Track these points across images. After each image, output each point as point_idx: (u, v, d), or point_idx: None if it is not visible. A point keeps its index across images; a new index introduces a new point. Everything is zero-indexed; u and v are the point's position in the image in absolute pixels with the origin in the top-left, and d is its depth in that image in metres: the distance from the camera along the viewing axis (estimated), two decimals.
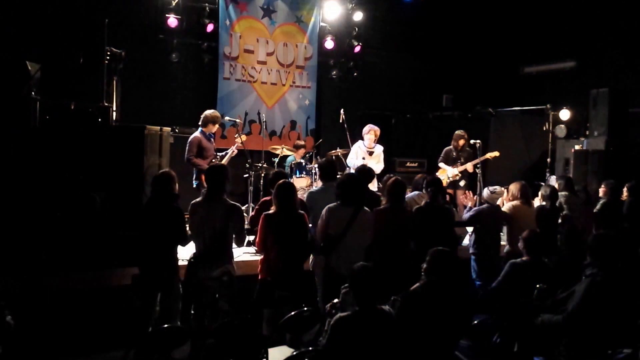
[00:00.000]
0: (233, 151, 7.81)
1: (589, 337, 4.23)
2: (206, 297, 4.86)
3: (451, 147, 9.21)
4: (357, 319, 3.59)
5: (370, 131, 8.10)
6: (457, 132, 9.24)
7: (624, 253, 4.86)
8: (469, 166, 8.87)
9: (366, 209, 5.24)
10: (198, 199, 5.03)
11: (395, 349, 3.59)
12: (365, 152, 8.02)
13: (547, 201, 6.66)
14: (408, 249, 5.55)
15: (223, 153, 7.88)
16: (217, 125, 7.64)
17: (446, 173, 9.07)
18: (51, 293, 5.27)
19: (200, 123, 7.54)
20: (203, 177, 7.18)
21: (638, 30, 10.30)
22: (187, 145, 7.39)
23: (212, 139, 7.71)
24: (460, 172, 9.03)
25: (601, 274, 4.32)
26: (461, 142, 9.11)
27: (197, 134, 7.48)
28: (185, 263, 5.03)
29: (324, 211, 5.09)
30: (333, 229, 5.04)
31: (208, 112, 7.63)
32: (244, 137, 8.23)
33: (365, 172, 6.19)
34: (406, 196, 6.16)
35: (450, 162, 9.12)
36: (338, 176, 6.05)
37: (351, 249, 5.00)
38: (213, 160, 7.44)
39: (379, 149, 8.12)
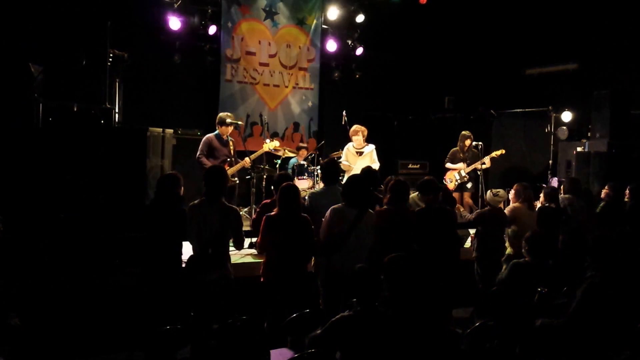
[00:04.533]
0: (245, 161, 7.73)
1: (590, 339, 4.23)
2: (204, 299, 4.87)
3: (457, 147, 9.23)
4: (357, 320, 3.61)
5: (358, 132, 7.89)
6: (463, 132, 9.26)
7: (625, 255, 4.86)
8: (487, 161, 8.84)
9: (371, 211, 5.24)
10: (196, 202, 5.03)
11: (395, 350, 3.60)
12: (355, 154, 7.92)
13: (548, 202, 6.66)
14: (410, 250, 5.55)
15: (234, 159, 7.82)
16: (225, 128, 7.58)
17: (454, 175, 9.07)
18: (55, 294, 5.28)
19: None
20: None
21: None
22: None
23: (230, 143, 7.66)
24: (468, 174, 9.03)
25: (601, 276, 4.33)
26: (467, 142, 9.11)
27: (210, 134, 7.55)
28: (183, 265, 5.05)
29: (328, 212, 5.07)
30: (337, 229, 5.02)
31: (221, 114, 7.78)
32: (276, 143, 8.20)
33: (370, 174, 6.19)
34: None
35: (457, 163, 9.14)
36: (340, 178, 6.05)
37: (355, 250, 4.98)
38: (230, 163, 7.49)
39: (368, 148, 7.93)
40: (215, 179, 4.98)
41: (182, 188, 5.11)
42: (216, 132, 7.57)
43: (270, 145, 7.96)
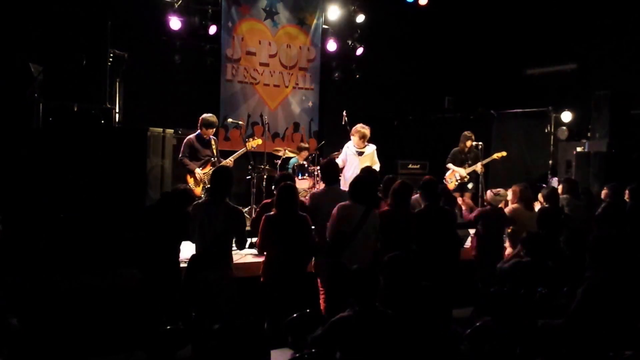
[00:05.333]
0: (228, 162, 7.67)
1: (590, 339, 4.23)
2: (206, 299, 4.88)
3: (459, 148, 9.23)
4: (357, 320, 3.61)
5: (356, 133, 7.71)
6: (464, 133, 9.26)
7: (625, 255, 4.86)
8: (478, 166, 8.85)
9: (375, 210, 5.26)
10: (199, 201, 5.04)
11: (395, 350, 3.60)
12: (355, 154, 7.79)
13: (548, 203, 6.66)
14: (410, 251, 5.55)
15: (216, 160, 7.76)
16: (210, 130, 7.44)
17: (455, 175, 9.08)
18: (55, 294, 5.28)
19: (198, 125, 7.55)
20: (188, 177, 7.24)
21: None
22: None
23: (212, 143, 7.60)
24: (468, 174, 9.03)
25: (600, 276, 4.33)
26: (468, 143, 9.12)
27: (191, 135, 7.49)
28: (185, 265, 5.05)
29: (335, 209, 5.08)
30: (345, 226, 5.03)
31: (203, 115, 7.54)
32: (259, 141, 8.17)
33: (370, 174, 6.19)
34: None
35: (458, 163, 9.15)
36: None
37: (361, 247, 5.02)
38: (213, 163, 7.45)
39: (370, 149, 7.80)
40: (221, 180, 4.99)
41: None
42: (197, 132, 7.50)
43: (252, 143, 7.94)
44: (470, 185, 9.10)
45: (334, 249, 5.09)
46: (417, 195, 6.37)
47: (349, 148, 7.84)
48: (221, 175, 5.05)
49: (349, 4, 11.51)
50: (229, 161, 7.66)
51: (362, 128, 7.73)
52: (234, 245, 5.16)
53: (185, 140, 7.45)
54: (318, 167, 8.44)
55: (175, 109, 10.01)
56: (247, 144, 7.88)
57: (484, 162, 8.88)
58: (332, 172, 5.91)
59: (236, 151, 8.01)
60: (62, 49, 6.57)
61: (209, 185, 6.90)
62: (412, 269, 4.03)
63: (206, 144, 7.51)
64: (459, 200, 8.97)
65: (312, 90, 11.65)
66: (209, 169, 7.32)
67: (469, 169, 9.03)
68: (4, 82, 6.49)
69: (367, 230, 5.08)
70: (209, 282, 4.83)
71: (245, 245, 5.22)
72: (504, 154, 9.07)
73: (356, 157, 7.72)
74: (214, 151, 7.55)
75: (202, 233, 4.88)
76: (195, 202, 5.07)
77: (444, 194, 6.34)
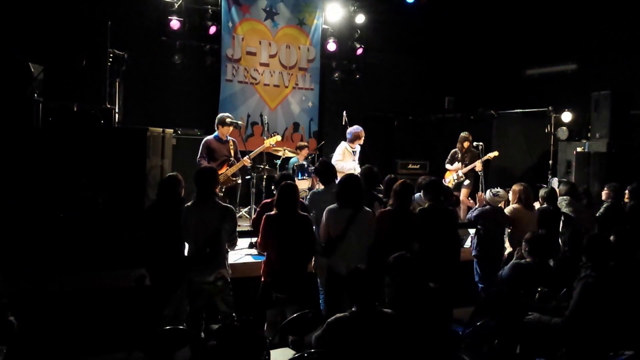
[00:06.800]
0: (245, 160, 7.72)
1: (589, 339, 4.23)
2: (201, 299, 4.87)
3: (456, 149, 9.29)
4: (355, 320, 3.60)
5: (362, 138, 8.02)
6: (462, 134, 9.33)
7: (624, 255, 4.86)
8: (477, 164, 8.88)
9: (367, 209, 5.24)
10: (189, 203, 5.01)
11: (394, 349, 3.60)
12: (351, 153, 7.99)
13: (547, 203, 6.66)
14: (412, 251, 5.54)
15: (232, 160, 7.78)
16: (225, 128, 7.53)
17: (452, 175, 9.14)
18: (54, 294, 5.28)
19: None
20: None
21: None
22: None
23: (230, 144, 7.61)
24: (465, 174, 9.08)
25: (594, 275, 4.33)
26: (465, 144, 9.20)
27: (209, 136, 7.53)
28: None
29: (324, 213, 5.10)
30: (333, 230, 5.04)
31: (218, 115, 7.71)
32: (278, 138, 8.21)
33: (370, 175, 6.20)
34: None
35: (455, 163, 9.23)
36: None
37: (352, 250, 5.00)
38: (230, 164, 7.48)
39: (358, 148, 8.11)
40: (206, 180, 4.97)
41: (183, 190, 5.12)
42: (215, 133, 7.57)
43: (271, 140, 7.96)
44: (466, 182, 9.14)
45: (324, 252, 5.11)
46: (418, 194, 6.38)
47: (347, 149, 7.97)
48: (205, 176, 5.02)
49: (349, 4, 11.52)
50: (246, 159, 7.68)
51: (361, 133, 7.95)
52: None
53: (203, 142, 7.49)
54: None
55: (175, 109, 10.02)
56: (265, 140, 7.95)
57: (480, 161, 8.92)
58: (327, 172, 5.92)
59: (250, 150, 8.04)
60: (62, 49, 6.55)
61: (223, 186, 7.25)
62: (416, 269, 4.03)
63: (224, 144, 7.55)
64: (462, 196, 9.05)
65: (312, 90, 11.66)
66: (225, 170, 7.32)
67: (466, 170, 9.08)
68: (4, 82, 6.48)
69: (358, 232, 5.05)
70: (204, 283, 4.83)
71: (235, 244, 5.17)
72: (496, 153, 9.14)
73: (352, 156, 7.98)
74: (231, 151, 7.56)
75: (195, 234, 4.86)
76: (186, 205, 5.04)
77: (447, 195, 6.34)
